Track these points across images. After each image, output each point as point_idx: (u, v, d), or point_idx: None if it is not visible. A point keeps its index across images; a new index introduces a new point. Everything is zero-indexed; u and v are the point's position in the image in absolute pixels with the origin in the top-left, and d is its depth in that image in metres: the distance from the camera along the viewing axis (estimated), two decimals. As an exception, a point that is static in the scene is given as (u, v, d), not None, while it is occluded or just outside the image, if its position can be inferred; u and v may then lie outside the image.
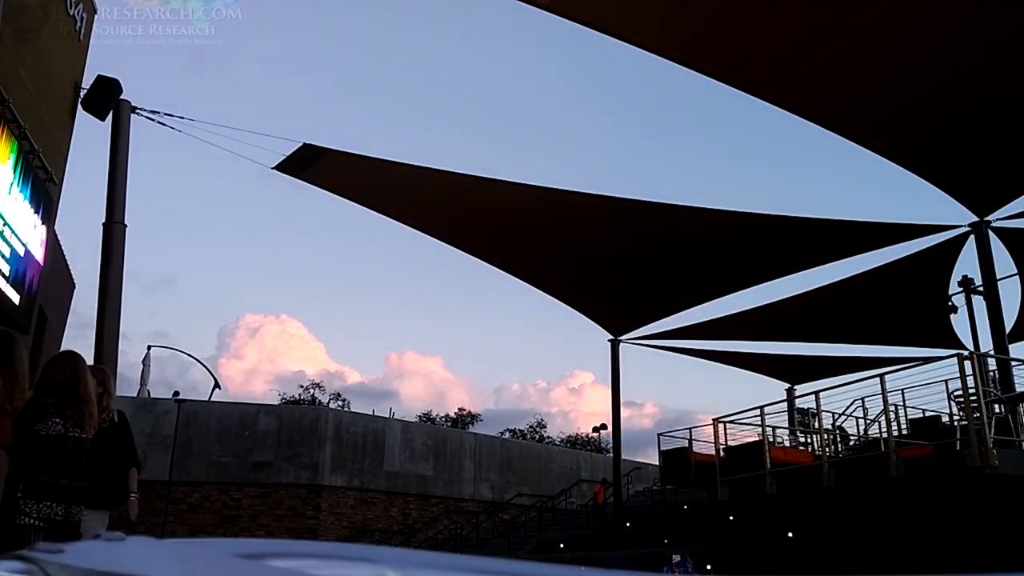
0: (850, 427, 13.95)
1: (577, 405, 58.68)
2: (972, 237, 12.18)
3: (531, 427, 38.68)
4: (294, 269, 64.33)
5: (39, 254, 8.07)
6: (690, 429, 15.31)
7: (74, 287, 21.60)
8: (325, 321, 69.03)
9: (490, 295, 69.62)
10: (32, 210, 7.75)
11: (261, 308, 67.11)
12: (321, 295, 64.12)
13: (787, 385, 19.78)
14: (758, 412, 11.79)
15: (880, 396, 10.28)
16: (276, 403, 29.19)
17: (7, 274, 7.20)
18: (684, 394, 73.88)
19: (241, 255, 64.54)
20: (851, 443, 13.75)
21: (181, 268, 65.90)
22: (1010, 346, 12.79)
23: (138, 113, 9.20)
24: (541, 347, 65.41)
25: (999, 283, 12.54)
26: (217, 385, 20.46)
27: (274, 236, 66.35)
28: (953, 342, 16.22)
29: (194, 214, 63.17)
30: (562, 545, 16.20)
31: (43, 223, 8.10)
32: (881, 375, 10.24)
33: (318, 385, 35.99)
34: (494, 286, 65.92)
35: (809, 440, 14.93)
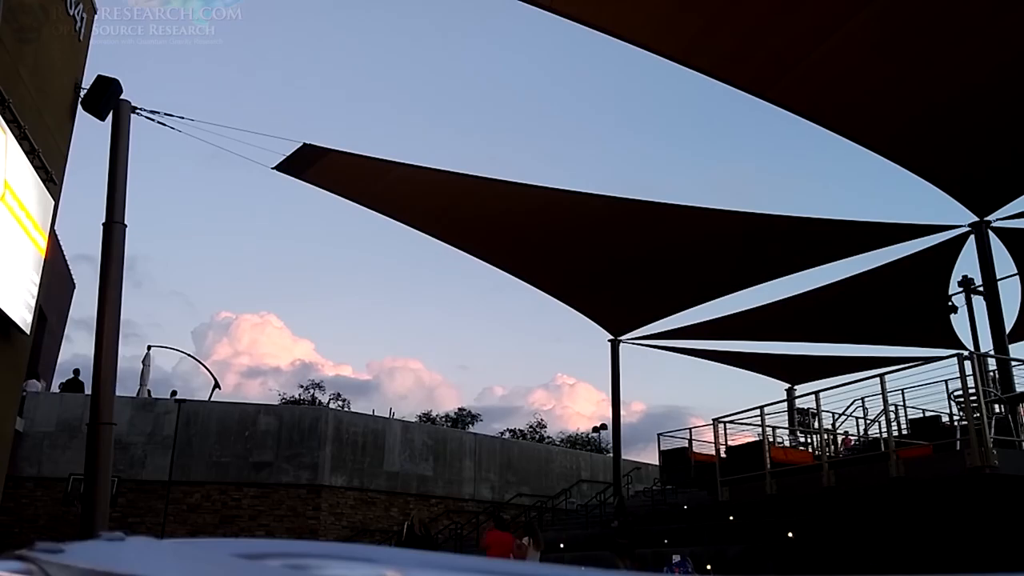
0: (850, 427, 13.97)
1: (562, 405, 58.58)
2: (972, 237, 12.18)
3: (531, 427, 38.65)
4: (280, 267, 64.32)
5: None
6: (690, 429, 15.30)
7: (74, 287, 21.67)
8: (310, 319, 69.10)
9: (476, 297, 69.74)
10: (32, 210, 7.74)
11: (243, 305, 67.09)
12: (305, 293, 64.13)
13: (787, 385, 19.78)
14: (758, 412, 11.78)
15: (880, 396, 10.28)
16: (276, 403, 29.19)
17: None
18: (672, 391, 73.98)
19: (223, 251, 64.37)
20: (850, 444, 13.75)
21: (159, 262, 65.73)
22: (1010, 346, 12.80)
23: (138, 113, 9.17)
24: (525, 350, 65.45)
25: (999, 283, 12.54)
26: (217, 385, 20.50)
27: (262, 234, 66.33)
28: (953, 342, 16.22)
29: (173, 210, 62.90)
30: (562, 545, 16.18)
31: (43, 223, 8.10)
32: (881, 375, 10.23)
33: (318, 385, 35.92)
34: (482, 288, 66.03)
35: (809, 440, 14.93)
